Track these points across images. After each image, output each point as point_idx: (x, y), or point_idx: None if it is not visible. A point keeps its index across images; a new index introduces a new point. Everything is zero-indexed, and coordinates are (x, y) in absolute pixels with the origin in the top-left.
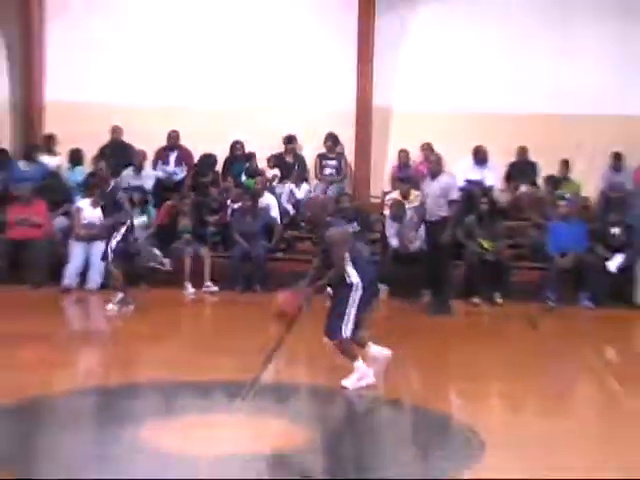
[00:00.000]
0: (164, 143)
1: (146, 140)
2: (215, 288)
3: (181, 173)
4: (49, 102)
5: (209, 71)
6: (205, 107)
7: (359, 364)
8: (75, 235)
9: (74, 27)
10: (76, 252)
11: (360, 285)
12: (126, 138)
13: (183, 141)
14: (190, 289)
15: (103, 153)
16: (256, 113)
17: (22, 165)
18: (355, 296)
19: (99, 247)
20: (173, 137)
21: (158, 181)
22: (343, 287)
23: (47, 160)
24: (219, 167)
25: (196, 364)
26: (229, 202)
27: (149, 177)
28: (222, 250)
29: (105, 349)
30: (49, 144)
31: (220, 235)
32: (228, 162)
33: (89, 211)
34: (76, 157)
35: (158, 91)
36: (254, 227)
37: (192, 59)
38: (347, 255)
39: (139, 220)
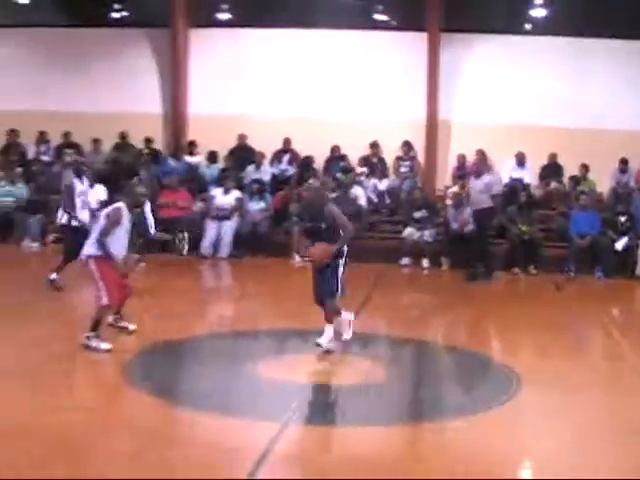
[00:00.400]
0: (278, 147)
1: (264, 144)
2: None
3: (291, 170)
4: (191, 114)
5: (314, 91)
6: (311, 119)
7: (343, 315)
8: (210, 216)
9: (210, 57)
10: (210, 229)
11: (345, 251)
12: (249, 142)
13: (293, 146)
14: (297, 258)
15: (232, 154)
16: (350, 124)
17: (171, 162)
18: (342, 260)
19: (228, 225)
20: (286, 143)
21: (274, 176)
22: (335, 255)
23: (189, 159)
24: (319, 166)
25: (301, 316)
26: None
27: (267, 173)
28: None
29: (233, 303)
30: (191, 148)
31: None
32: (328, 161)
33: (220, 198)
34: (212, 157)
35: (274, 107)
36: (346, 212)
37: (300, 82)
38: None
39: (259, 205)
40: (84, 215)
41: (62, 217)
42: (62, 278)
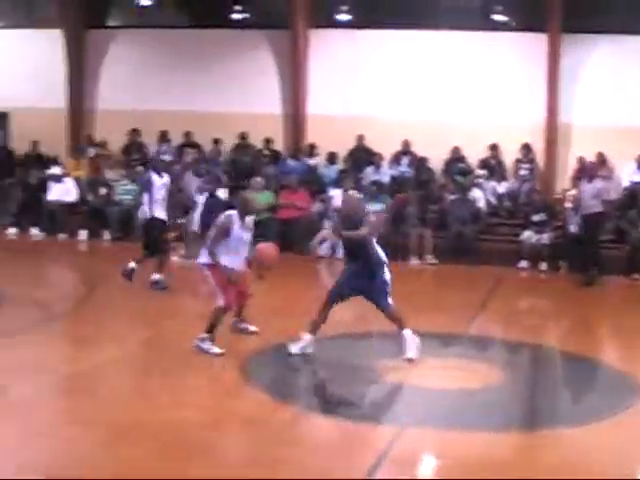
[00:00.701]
0: (396, 148)
1: (383, 145)
2: (435, 261)
3: (410, 172)
4: (311, 115)
5: (433, 92)
6: (430, 121)
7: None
8: (328, 216)
9: (329, 58)
10: (329, 230)
11: (387, 263)
12: (367, 143)
13: (412, 148)
14: (414, 261)
15: (351, 155)
16: (469, 127)
17: (290, 162)
18: (386, 271)
19: None
20: (405, 144)
21: (393, 178)
22: (376, 266)
23: (308, 160)
24: (438, 167)
25: (416, 319)
26: (446, 194)
27: (385, 174)
28: (440, 231)
29: (349, 304)
30: (310, 149)
31: (439, 219)
32: (448, 163)
33: (339, 199)
34: (332, 158)
35: (393, 108)
36: (465, 214)
37: (419, 83)
38: (374, 239)
39: (375, 206)
40: (162, 210)
41: (143, 213)
42: (167, 279)
